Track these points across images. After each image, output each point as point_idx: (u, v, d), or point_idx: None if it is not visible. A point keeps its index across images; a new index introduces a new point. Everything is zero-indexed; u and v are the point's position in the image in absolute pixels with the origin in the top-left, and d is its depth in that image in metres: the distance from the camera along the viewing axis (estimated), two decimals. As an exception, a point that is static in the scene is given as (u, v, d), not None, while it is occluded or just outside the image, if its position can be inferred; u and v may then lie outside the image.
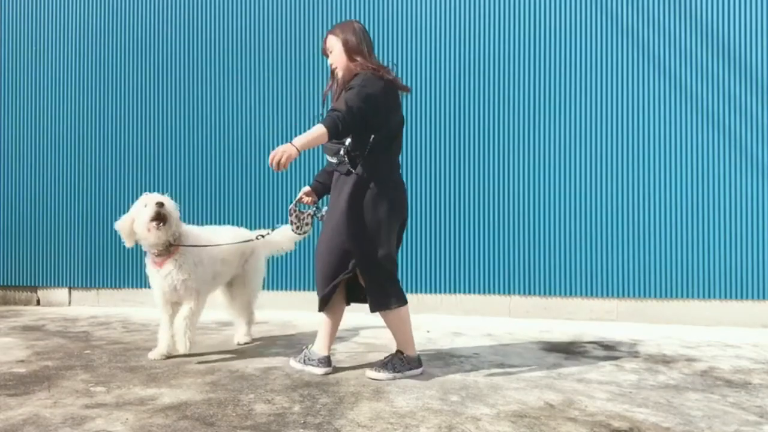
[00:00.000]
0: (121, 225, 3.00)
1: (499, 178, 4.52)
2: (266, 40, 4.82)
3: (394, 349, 2.86)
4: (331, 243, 2.72)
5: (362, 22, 4.66)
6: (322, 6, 4.74)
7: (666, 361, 3.15)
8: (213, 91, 4.87)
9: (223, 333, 3.72)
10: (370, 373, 2.73)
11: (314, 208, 3.02)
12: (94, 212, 5.00)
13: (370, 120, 2.62)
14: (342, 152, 2.68)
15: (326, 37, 2.82)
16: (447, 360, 3.10)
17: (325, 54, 2.85)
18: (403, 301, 2.77)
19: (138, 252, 4.90)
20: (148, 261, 3.06)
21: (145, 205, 2.94)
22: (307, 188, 3.03)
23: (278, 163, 2.47)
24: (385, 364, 2.75)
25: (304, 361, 2.86)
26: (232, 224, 4.19)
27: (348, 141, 2.67)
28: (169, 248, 2.98)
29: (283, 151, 2.48)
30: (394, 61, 4.28)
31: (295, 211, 2.98)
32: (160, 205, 2.90)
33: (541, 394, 2.51)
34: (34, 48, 5.10)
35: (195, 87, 4.90)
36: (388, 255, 2.72)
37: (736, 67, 4.26)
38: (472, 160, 4.55)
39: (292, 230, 3.01)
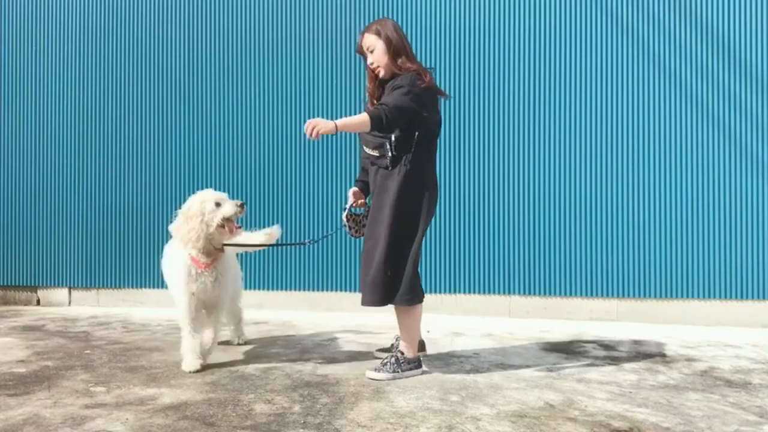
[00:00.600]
0: (187, 228, 2.75)
1: (499, 178, 4.52)
2: (266, 39, 4.81)
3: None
4: (382, 238, 2.69)
5: (361, 19, 4.71)
6: (322, 4, 4.74)
7: (666, 361, 3.15)
8: (213, 90, 4.87)
9: (222, 333, 3.72)
10: (370, 373, 2.73)
11: (367, 209, 3.02)
12: (94, 212, 5.00)
13: (417, 119, 2.65)
14: (388, 146, 2.68)
15: (362, 35, 2.80)
16: (447, 360, 3.10)
17: (360, 53, 2.83)
18: (422, 299, 2.78)
19: (137, 251, 4.96)
20: (186, 261, 2.81)
21: (217, 204, 2.77)
22: (354, 189, 3.03)
23: (313, 130, 2.45)
24: (385, 364, 2.75)
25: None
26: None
27: (394, 136, 2.67)
28: (222, 248, 2.89)
29: (324, 123, 2.47)
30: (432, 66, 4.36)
31: (350, 216, 2.98)
32: (242, 206, 2.81)
33: (541, 394, 2.50)
34: (34, 46, 5.10)
35: (195, 86, 4.89)
36: (419, 251, 2.74)
37: (736, 66, 4.26)
38: (471, 160, 4.55)
39: (351, 234, 3.00)
